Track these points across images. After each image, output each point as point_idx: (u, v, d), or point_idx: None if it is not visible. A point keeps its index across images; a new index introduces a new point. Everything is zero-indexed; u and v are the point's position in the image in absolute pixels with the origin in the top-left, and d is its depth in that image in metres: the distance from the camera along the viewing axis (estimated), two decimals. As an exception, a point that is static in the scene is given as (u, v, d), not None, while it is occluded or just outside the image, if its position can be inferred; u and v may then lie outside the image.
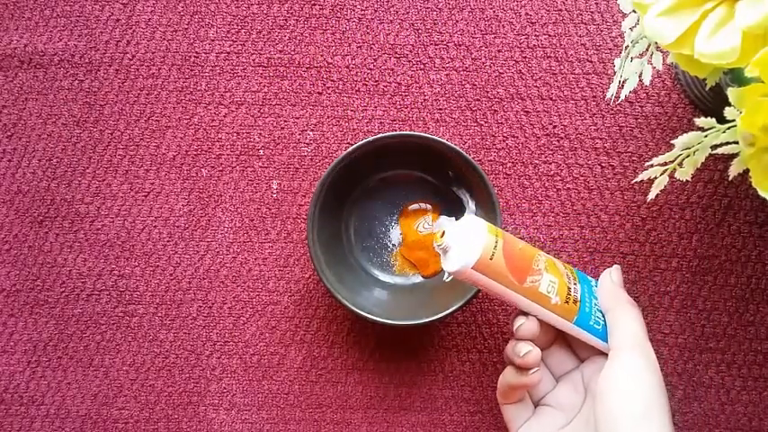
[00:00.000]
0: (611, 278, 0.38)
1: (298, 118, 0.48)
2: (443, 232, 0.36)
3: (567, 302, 0.36)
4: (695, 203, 0.46)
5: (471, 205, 0.45)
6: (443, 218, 0.46)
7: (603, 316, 0.37)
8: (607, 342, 0.36)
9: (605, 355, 0.36)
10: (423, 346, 0.47)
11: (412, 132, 0.44)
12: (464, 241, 0.35)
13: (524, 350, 0.35)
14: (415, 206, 0.46)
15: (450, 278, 0.45)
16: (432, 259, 0.46)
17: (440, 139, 0.41)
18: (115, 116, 0.48)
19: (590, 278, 0.40)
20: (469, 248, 0.34)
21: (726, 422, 0.45)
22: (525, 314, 0.36)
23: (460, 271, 0.35)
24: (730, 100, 0.27)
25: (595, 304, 0.38)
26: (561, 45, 0.47)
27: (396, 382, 0.47)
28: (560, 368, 0.39)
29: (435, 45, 0.48)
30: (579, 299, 0.37)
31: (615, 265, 0.39)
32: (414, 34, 0.48)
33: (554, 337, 0.39)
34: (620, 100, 0.46)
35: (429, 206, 0.46)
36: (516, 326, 0.36)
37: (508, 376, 0.36)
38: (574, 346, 0.40)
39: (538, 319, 0.36)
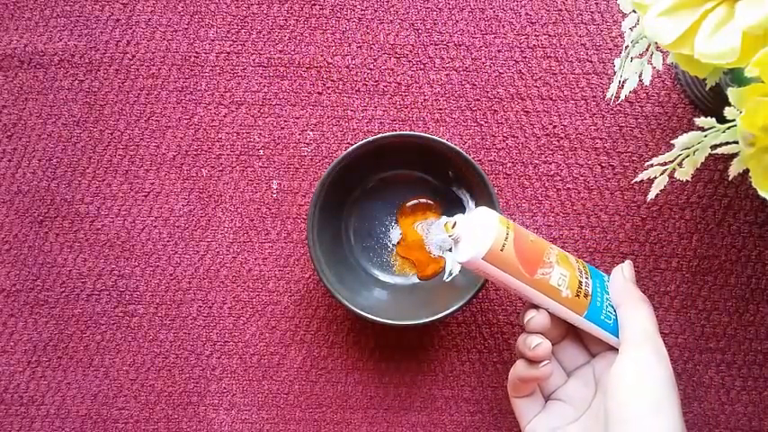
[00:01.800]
0: (623, 274, 0.38)
1: (298, 118, 0.48)
2: (455, 222, 0.37)
3: (577, 296, 0.36)
4: (695, 203, 0.46)
5: (471, 205, 0.45)
6: (444, 218, 0.46)
7: (615, 311, 0.37)
8: (618, 337, 0.36)
9: (617, 350, 0.36)
10: (423, 346, 0.47)
11: (412, 132, 0.44)
12: (475, 232, 0.35)
13: (535, 342, 0.35)
14: (414, 202, 0.46)
15: (450, 278, 0.45)
16: (430, 261, 0.46)
17: (440, 139, 0.41)
18: (115, 116, 0.48)
19: (602, 273, 0.40)
20: (480, 239, 0.35)
21: (726, 422, 0.45)
22: (536, 307, 0.37)
23: (471, 261, 0.35)
24: (730, 100, 0.27)
25: (607, 299, 0.38)
26: (561, 45, 0.47)
27: (396, 382, 0.47)
28: (572, 363, 0.39)
29: (435, 45, 0.48)
30: (590, 293, 0.37)
31: (627, 261, 0.39)
32: (414, 34, 0.48)
33: (565, 332, 0.39)
34: (620, 100, 0.46)
35: (429, 201, 0.46)
36: (527, 318, 0.36)
37: (519, 369, 0.36)
38: (586, 341, 0.40)
39: (549, 313, 0.36)
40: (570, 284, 0.36)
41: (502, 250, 0.35)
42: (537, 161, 0.47)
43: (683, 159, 0.32)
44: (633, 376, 0.33)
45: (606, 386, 0.34)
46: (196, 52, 0.48)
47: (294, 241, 0.47)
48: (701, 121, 0.29)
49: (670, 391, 0.33)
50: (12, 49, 0.48)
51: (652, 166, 0.33)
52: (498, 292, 0.47)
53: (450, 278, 0.45)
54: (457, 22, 0.48)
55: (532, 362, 0.36)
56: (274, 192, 0.48)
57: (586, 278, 0.37)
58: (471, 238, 0.35)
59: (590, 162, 0.47)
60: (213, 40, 0.48)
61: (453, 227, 0.36)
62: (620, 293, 0.37)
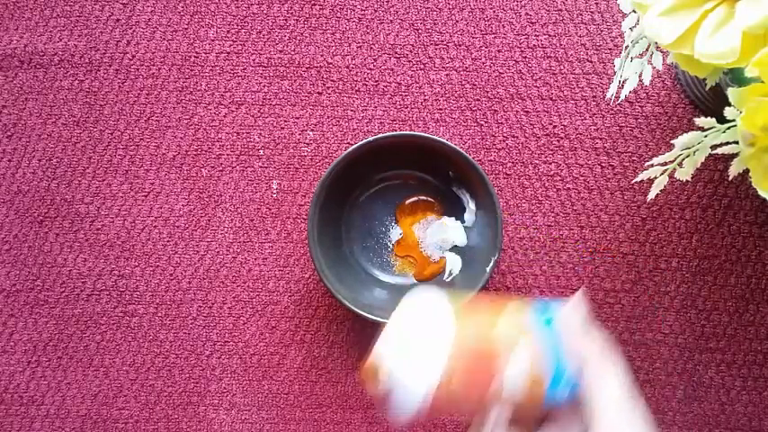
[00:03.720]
0: (572, 319, 0.30)
1: (298, 118, 0.48)
2: (382, 370, 0.30)
3: (531, 401, 0.30)
4: (695, 203, 0.46)
5: (471, 205, 0.45)
6: (445, 218, 0.46)
7: (565, 364, 0.29)
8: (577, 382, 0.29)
9: None
10: (423, 346, 0.47)
11: (412, 132, 0.44)
12: (401, 393, 0.29)
13: None
14: (413, 199, 0.46)
15: (450, 278, 0.45)
16: (429, 263, 0.46)
17: (440, 139, 0.41)
18: (115, 116, 0.48)
19: (551, 312, 0.30)
20: (407, 404, 0.29)
21: (726, 422, 0.45)
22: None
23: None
24: (730, 100, 0.27)
25: (559, 356, 0.29)
26: (561, 45, 0.47)
27: (396, 382, 0.47)
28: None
29: (435, 45, 0.48)
30: (542, 382, 0.29)
31: (577, 295, 0.31)
32: (414, 34, 0.48)
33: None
34: (620, 100, 0.46)
35: (429, 199, 0.46)
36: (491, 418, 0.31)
37: None
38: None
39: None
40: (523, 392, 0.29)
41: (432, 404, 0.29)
42: (537, 161, 0.47)
43: (683, 159, 0.32)
44: None
45: None
46: (196, 52, 0.48)
47: (294, 241, 0.47)
48: (700, 121, 0.29)
49: None
50: (12, 49, 0.48)
51: (652, 166, 0.33)
52: (498, 293, 0.47)
53: (450, 278, 0.45)
54: (457, 22, 0.48)
55: None
56: (274, 192, 0.48)
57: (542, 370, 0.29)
58: (399, 396, 0.29)
59: (590, 162, 0.47)
60: (213, 40, 0.48)
61: (381, 374, 0.30)
62: (575, 350, 0.29)
